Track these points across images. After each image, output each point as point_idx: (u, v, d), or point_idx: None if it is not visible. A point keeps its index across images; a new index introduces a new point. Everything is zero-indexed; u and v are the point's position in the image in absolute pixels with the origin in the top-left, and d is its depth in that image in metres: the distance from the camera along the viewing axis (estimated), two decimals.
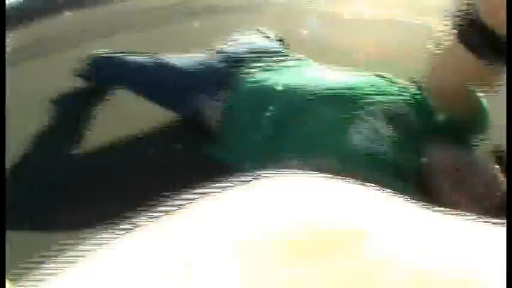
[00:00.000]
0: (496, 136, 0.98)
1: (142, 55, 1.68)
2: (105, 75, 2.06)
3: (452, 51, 0.88)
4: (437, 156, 0.94)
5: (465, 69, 0.89)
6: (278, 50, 1.30)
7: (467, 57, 0.85)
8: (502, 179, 0.90)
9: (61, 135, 1.80)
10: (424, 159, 0.94)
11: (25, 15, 2.38)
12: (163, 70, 1.40)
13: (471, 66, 0.86)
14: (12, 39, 2.08)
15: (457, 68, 0.91)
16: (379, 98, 1.02)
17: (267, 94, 1.11)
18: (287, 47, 1.40)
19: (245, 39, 1.34)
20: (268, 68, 1.19)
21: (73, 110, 2.19)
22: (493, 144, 0.94)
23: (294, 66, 1.24)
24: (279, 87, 1.11)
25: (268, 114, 1.08)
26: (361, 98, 1.03)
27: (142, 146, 1.68)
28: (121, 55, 2.05)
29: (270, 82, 1.14)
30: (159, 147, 1.57)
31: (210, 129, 1.20)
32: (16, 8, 2.42)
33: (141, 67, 1.48)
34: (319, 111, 1.04)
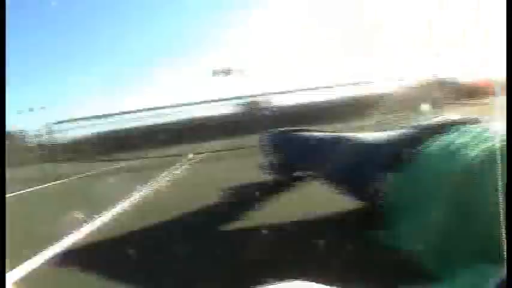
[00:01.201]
0: None
1: (323, 132, 1.47)
2: (286, 151, 2.31)
3: None
4: None
5: None
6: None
7: None
8: None
9: None
10: None
11: None
12: (347, 146, 1.19)
13: None
14: None
15: None
16: None
17: (441, 172, 0.89)
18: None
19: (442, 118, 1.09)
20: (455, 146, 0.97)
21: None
22: None
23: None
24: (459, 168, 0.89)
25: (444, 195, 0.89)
26: None
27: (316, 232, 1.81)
28: (303, 132, 2.06)
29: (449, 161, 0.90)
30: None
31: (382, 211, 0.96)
32: None
33: (324, 143, 1.36)
34: None
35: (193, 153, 10.64)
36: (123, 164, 11.67)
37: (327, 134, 2.04)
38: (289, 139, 2.50)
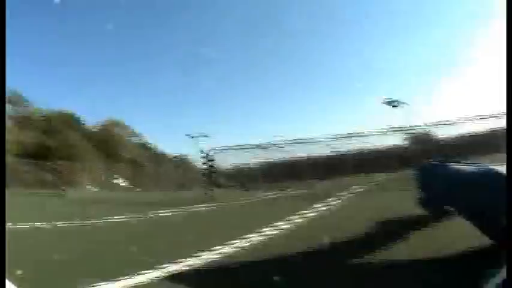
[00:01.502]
0: None
1: (472, 164, 1.73)
2: (435, 184, 2.24)
3: None
4: None
5: None
6: None
7: None
8: None
9: None
10: None
11: None
12: (496, 181, 1.16)
13: None
14: None
15: None
16: None
17: None
18: None
19: None
20: None
21: None
22: None
23: None
24: None
25: None
26: None
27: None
28: (451, 163, 2.11)
29: None
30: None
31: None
32: None
33: (471, 176, 1.32)
34: None
35: (355, 184, 11.13)
36: (277, 192, 12.53)
37: (477, 166, 1.96)
38: (439, 172, 2.45)
